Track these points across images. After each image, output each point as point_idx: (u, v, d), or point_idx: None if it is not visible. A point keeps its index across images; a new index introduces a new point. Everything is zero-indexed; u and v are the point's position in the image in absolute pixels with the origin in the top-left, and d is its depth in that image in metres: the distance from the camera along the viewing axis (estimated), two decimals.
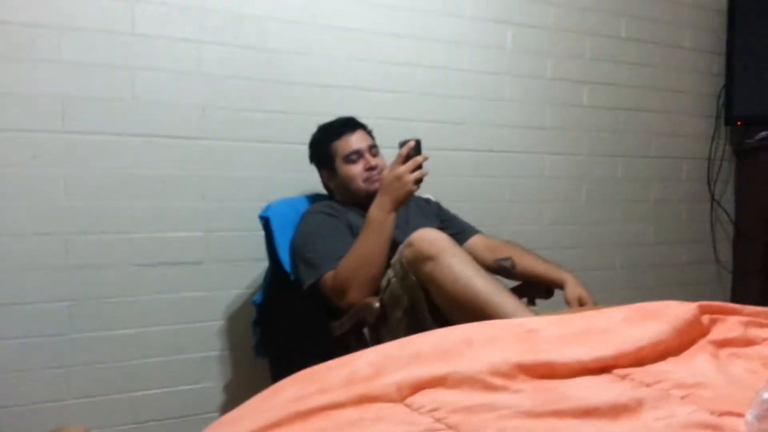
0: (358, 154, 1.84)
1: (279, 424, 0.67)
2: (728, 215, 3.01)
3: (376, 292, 1.65)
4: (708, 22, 2.93)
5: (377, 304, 1.56)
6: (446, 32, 2.38)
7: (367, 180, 1.83)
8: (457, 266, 1.48)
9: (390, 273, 1.60)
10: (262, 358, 1.93)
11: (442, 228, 1.88)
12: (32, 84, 1.78)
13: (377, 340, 1.59)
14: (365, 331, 1.65)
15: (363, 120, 2.09)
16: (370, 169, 1.84)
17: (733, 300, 2.97)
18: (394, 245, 1.65)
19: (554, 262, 1.99)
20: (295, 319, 1.87)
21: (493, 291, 1.44)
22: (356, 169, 1.83)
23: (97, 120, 1.85)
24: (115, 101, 1.88)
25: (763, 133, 2.87)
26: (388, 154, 1.81)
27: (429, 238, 1.52)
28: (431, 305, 1.54)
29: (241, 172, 2.04)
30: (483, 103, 2.47)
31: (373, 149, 1.88)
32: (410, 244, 1.53)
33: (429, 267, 1.49)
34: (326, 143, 1.87)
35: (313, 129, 1.93)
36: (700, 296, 2.86)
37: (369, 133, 1.93)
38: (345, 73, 2.20)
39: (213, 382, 2.01)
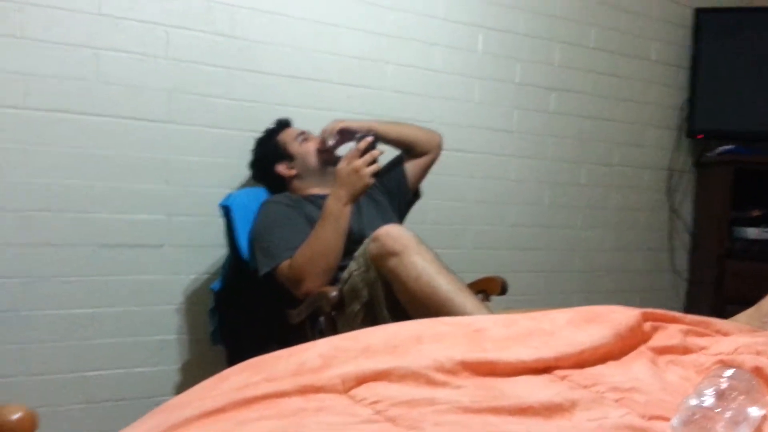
0: (304, 135, 1.95)
1: (222, 410, 0.68)
2: (686, 225, 3.10)
3: (332, 281, 1.68)
4: (674, 36, 3.00)
5: (334, 293, 1.59)
6: (419, 32, 2.40)
7: (321, 150, 1.92)
8: (420, 264, 1.50)
9: (353, 266, 1.63)
10: (218, 345, 1.93)
11: (391, 192, 2.00)
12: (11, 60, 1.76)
13: (333, 329, 1.61)
14: (321, 320, 1.67)
15: (330, 113, 2.12)
16: (321, 143, 1.93)
17: (687, 308, 3.07)
18: (348, 236, 1.70)
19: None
20: (252, 307, 1.88)
21: (455, 290, 1.48)
22: (310, 146, 1.93)
23: (60, 98, 1.83)
24: (78, 80, 1.85)
25: (722, 148, 2.95)
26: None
27: (395, 234, 1.55)
28: (391, 301, 1.56)
29: (205, 158, 2.03)
30: (452, 103, 2.49)
31: (310, 133, 1.99)
32: (376, 239, 1.56)
33: (393, 263, 1.51)
34: (272, 140, 1.97)
35: (282, 118, 1.99)
36: (655, 303, 2.98)
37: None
38: (315, 66, 2.20)
39: (169, 366, 2.00)
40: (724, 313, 2.48)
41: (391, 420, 0.68)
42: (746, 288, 2.82)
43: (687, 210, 3.11)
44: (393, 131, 1.99)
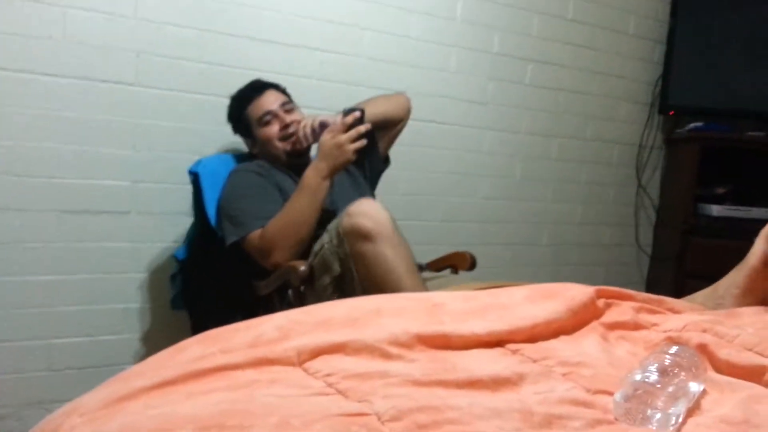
0: (271, 114, 1.83)
1: (174, 381, 0.69)
2: (652, 201, 3.15)
3: (301, 255, 1.67)
4: (652, 10, 3.01)
5: (303, 268, 1.57)
6: None
7: (282, 139, 1.82)
8: (392, 258, 1.48)
9: (325, 238, 1.60)
10: (179, 311, 1.93)
11: (364, 170, 1.95)
12: None
13: (301, 304, 1.60)
14: (290, 292, 1.68)
15: (305, 80, 2.08)
16: (285, 127, 1.82)
17: (649, 282, 3.14)
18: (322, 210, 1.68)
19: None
20: (218, 275, 1.88)
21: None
22: (271, 131, 1.83)
23: (25, 58, 1.78)
24: (45, 39, 1.80)
25: (692, 124, 2.99)
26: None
27: (374, 216, 1.51)
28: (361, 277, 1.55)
29: (174, 123, 2.00)
30: (428, 72, 2.48)
31: (287, 105, 1.86)
32: (350, 215, 1.52)
33: (365, 248, 1.49)
34: (240, 112, 1.87)
35: (256, 81, 1.93)
36: (620, 276, 3.05)
37: (281, 90, 1.90)
38: (290, 30, 2.17)
39: (133, 334, 2.01)
40: (685, 287, 2.55)
41: (342, 392, 0.70)
42: (708, 264, 2.89)
43: (654, 186, 3.16)
44: (372, 111, 1.85)
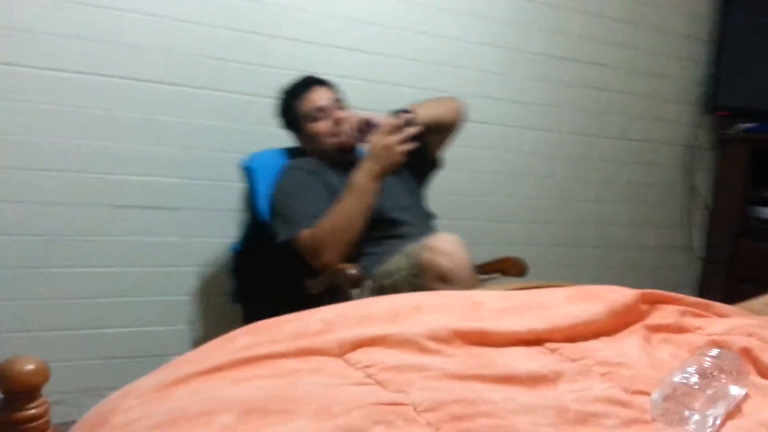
0: (322, 111, 1.82)
1: (221, 368, 0.73)
2: (704, 203, 3.08)
3: (351, 257, 1.66)
4: (698, 9, 2.93)
5: (353, 271, 1.56)
6: None
7: (333, 135, 1.81)
8: None
9: (402, 263, 1.55)
10: (237, 305, 1.98)
11: (413, 165, 1.88)
12: (18, 19, 1.79)
13: None
14: (340, 294, 1.67)
15: (346, 80, 2.10)
16: (336, 123, 1.81)
17: (701, 286, 3.07)
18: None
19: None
20: (271, 270, 1.90)
21: None
22: (321, 126, 1.82)
23: (88, 60, 1.86)
24: (96, 42, 1.88)
25: (743, 125, 2.91)
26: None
27: (456, 260, 1.45)
28: None
29: (223, 123, 2.06)
30: (467, 72, 2.48)
31: (338, 103, 1.86)
32: (431, 251, 1.47)
33: (439, 287, 1.42)
34: (290, 106, 1.87)
35: (307, 76, 1.94)
36: (669, 280, 2.98)
37: (331, 87, 1.90)
38: (332, 32, 2.20)
39: (184, 326, 2.07)
40: (737, 291, 2.48)
41: (380, 383, 0.73)
42: (760, 267, 2.82)
43: (705, 187, 3.08)
44: (423, 114, 1.80)
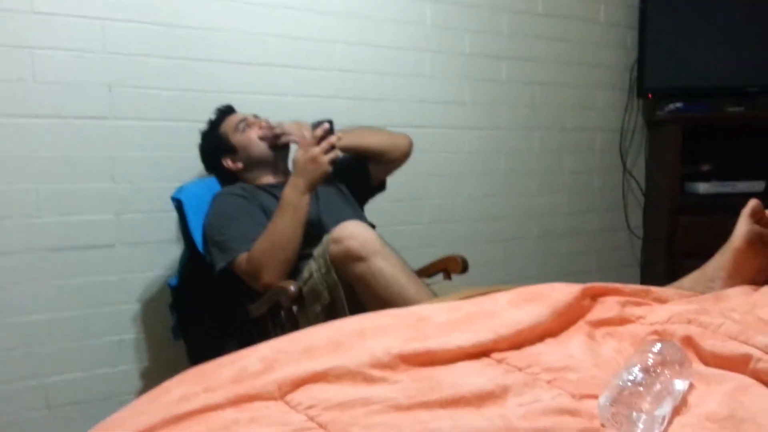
0: (245, 122, 1.87)
1: (153, 429, 0.69)
2: (638, 185, 3.16)
3: (291, 274, 1.67)
4: None
5: (293, 288, 1.55)
6: (366, 8, 2.37)
7: (265, 138, 1.85)
8: (389, 271, 1.47)
9: (313, 266, 1.59)
10: (180, 341, 1.93)
11: (352, 183, 1.95)
12: None
13: (294, 325, 1.59)
14: (282, 313, 1.67)
15: (280, 98, 2.09)
16: (264, 127, 1.87)
17: (643, 265, 3.15)
18: (306, 224, 1.67)
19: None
20: (211, 301, 1.87)
21: (426, 300, 1.42)
22: (252, 133, 1.86)
23: None
24: (15, 82, 1.80)
25: (672, 105, 3.00)
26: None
27: (360, 236, 1.50)
28: (354, 303, 1.53)
29: (152, 153, 2.00)
30: (403, 79, 2.49)
31: (255, 117, 1.92)
32: (338, 241, 1.51)
33: (360, 268, 1.48)
34: (214, 132, 1.90)
35: (222, 105, 1.97)
36: (612, 262, 3.05)
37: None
38: (261, 50, 2.17)
39: (130, 365, 2.00)
40: (679, 267, 2.55)
41: (323, 426, 0.70)
42: (699, 242, 2.89)
43: (640, 169, 3.17)
44: (353, 139, 1.88)
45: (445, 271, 2.02)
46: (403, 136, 2.01)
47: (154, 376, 2.00)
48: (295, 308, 1.62)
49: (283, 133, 1.84)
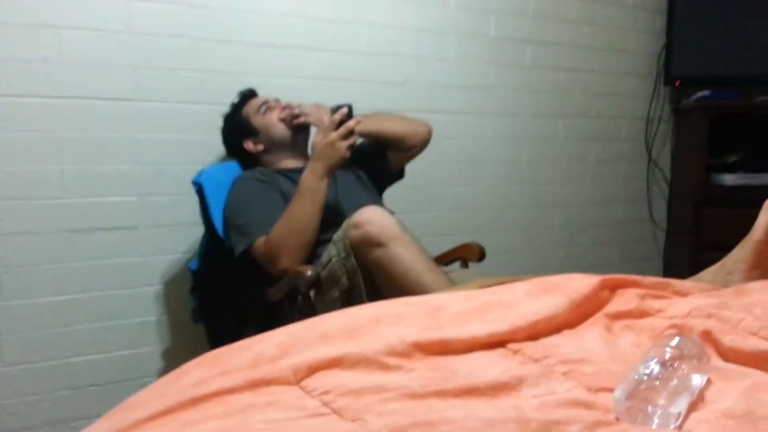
0: (267, 105, 1.89)
1: (170, 411, 0.70)
2: (663, 175, 3.11)
3: (309, 259, 1.68)
4: None
5: (310, 273, 1.56)
6: None
7: (285, 119, 1.87)
8: (407, 258, 1.47)
9: (332, 251, 1.59)
10: (200, 324, 1.95)
11: (371, 170, 1.95)
12: None
13: (312, 310, 1.60)
14: (299, 299, 1.68)
15: (303, 80, 2.08)
16: (284, 108, 1.88)
17: (666, 258, 3.11)
18: (324, 209, 1.68)
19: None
20: (231, 285, 1.89)
21: (443, 288, 1.43)
22: (272, 116, 1.88)
23: (22, 82, 1.80)
24: (40, 62, 1.82)
25: (700, 93, 2.94)
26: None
27: (379, 222, 1.50)
28: (372, 288, 1.53)
29: (175, 135, 2.01)
30: (426, 62, 2.46)
31: (276, 100, 1.93)
32: (357, 226, 1.51)
33: (378, 254, 1.48)
34: (236, 115, 1.91)
35: (245, 89, 1.97)
36: (635, 253, 3.02)
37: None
38: (284, 32, 2.16)
39: (151, 347, 2.03)
40: (702, 260, 2.50)
41: (337, 411, 0.71)
42: (723, 235, 2.83)
43: (665, 159, 3.11)
44: (372, 125, 1.88)
45: (462, 259, 2.01)
46: (423, 123, 2.00)
47: (174, 358, 2.03)
48: (312, 293, 1.63)
49: (302, 113, 1.85)
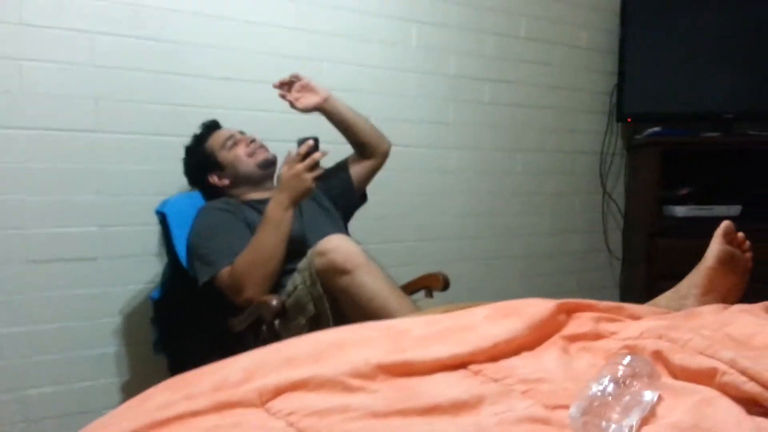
0: (233, 139, 1.89)
1: None
2: (618, 207, 3.22)
3: (273, 289, 1.68)
4: (603, 23, 3.09)
5: (275, 302, 1.56)
6: (353, 28, 2.42)
7: (251, 154, 1.88)
8: (372, 285, 1.49)
9: (298, 279, 1.60)
10: (161, 355, 1.92)
11: (336, 197, 1.98)
12: None
13: (276, 338, 1.60)
14: (263, 328, 1.68)
15: (266, 114, 2.11)
16: (251, 143, 1.90)
17: (622, 286, 3.20)
18: (289, 240, 1.68)
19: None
20: (193, 315, 1.87)
21: (408, 313, 1.45)
22: (240, 150, 1.88)
23: None
24: (2, 94, 1.81)
25: (651, 130, 3.07)
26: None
27: (344, 250, 1.52)
28: (338, 315, 1.54)
29: (137, 166, 2.01)
30: (389, 98, 2.53)
31: (240, 132, 1.94)
32: (323, 254, 1.53)
33: (343, 281, 1.50)
34: (200, 148, 1.91)
35: (207, 120, 1.99)
36: (592, 283, 3.09)
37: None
38: (249, 67, 2.20)
39: (110, 379, 1.99)
40: (656, 288, 2.58)
41: (302, 431, 0.72)
42: (676, 264, 2.92)
43: (620, 192, 3.23)
44: (347, 112, 1.94)
45: (427, 288, 2.03)
46: (386, 138, 2.08)
47: (134, 390, 1.97)
48: (277, 322, 1.63)
49: (265, 150, 1.89)
